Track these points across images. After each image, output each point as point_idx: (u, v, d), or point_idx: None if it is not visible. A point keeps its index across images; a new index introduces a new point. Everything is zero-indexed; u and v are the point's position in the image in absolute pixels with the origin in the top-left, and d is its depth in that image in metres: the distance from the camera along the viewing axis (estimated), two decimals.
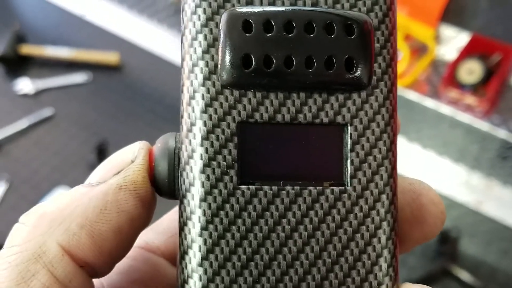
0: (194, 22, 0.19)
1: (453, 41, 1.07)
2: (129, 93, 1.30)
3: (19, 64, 1.32)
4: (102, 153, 1.15)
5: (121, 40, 1.36)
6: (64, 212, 0.20)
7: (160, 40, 1.34)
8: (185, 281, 0.19)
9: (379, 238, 0.19)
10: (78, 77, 1.31)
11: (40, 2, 1.45)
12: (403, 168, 1.10)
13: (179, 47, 0.21)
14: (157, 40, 1.34)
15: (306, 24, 0.19)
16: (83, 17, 1.40)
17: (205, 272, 0.18)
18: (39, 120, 1.24)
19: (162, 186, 0.21)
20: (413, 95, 1.01)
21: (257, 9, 0.19)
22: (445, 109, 1.01)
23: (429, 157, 1.10)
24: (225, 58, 0.19)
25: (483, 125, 0.99)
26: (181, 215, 0.19)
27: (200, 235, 0.19)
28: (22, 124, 1.23)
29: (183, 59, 0.20)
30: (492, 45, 1.01)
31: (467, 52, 1.01)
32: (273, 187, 0.19)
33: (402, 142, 1.12)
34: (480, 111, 0.99)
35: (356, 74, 0.19)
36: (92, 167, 1.15)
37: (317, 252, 0.19)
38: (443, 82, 1.01)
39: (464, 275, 1.00)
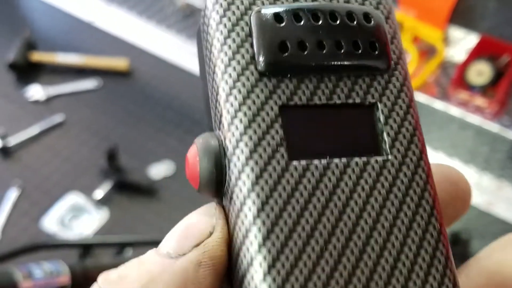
0: (221, 31, 0.21)
1: (461, 43, 1.07)
2: (139, 99, 1.31)
3: (29, 71, 1.34)
4: (112, 159, 1.16)
5: (130, 46, 1.37)
6: (146, 284, 0.19)
7: (169, 45, 1.34)
8: (250, 264, 0.19)
9: (427, 200, 0.21)
10: (89, 83, 1.32)
11: (50, 9, 1.47)
12: None
13: (204, 61, 0.22)
14: (166, 46, 1.35)
15: (330, 14, 0.21)
16: (92, 23, 1.41)
17: (269, 252, 0.18)
18: (50, 126, 1.26)
19: (209, 181, 0.20)
20: (422, 97, 1.01)
21: (283, 6, 0.21)
22: (455, 111, 1.01)
23: (438, 159, 1.10)
24: (262, 47, 0.20)
25: (493, 127, 0.99)
26: (234, 204, 0.20)
27: (258, 216, 0.19)
28: (33, 130, 1.24)
29: (216, 59, 0.21)
30: (501, 47, 1.01)
31: (476, 54, 1.01)
32: (322, 161, 0.20)
33: None
34: (489, 113, 0.99)
35: (380, 56, 0.21)
36: (103, 172, 1.16)
37: (374, 217, 0.20)
38: (452, 84, 1.01)
39: None
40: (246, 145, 0.19)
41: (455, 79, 1.00)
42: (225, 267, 0.20)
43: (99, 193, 1.14)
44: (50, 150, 1.23)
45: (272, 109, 0.20)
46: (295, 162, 0.20)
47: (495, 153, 1.03)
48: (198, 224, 0.20)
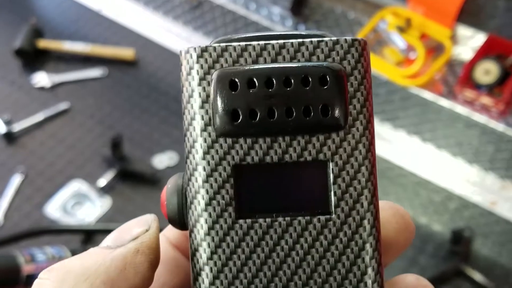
0: (189, 82, 0.23)
1: (469, 41, 1.07)
2: (144, 88, 1.31)
3: (36, 58, 1.34)
4: (116, 147, 1.16)
5: (137, 36, 1.37)
6: (89, 270, 0.22)
7: (176, 36, 1.34)
8: None
9: (363, 258, 0.22)
10: (94, 72, 1.32)
11: None
12: (416, 168, 1.10)
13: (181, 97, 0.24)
14: (172, 37, 1.35)
15: (284, 80, 0.22)
16: (100, 12, 1.41)
17: None
18: (55, 114, 1.26)
19: (173, 220, 0.24)
20: (428, 95, 1.01)
21: (241, 68, 0.22)
22: (460, 109, 1.01)
23: (443, 157, 1.10)
24: (217, 113, 0.22)
25: (499, 126, 0.99)
26: (191, 244, 0.23)
27: (207, 264, 0.22)
28: (38, 117, 1.24)
29: (184, 108, 0.23)
30: (509, 46, 1.00)
31: (483, 53, 1.01)
32: (267, 219, 0.22)
33: (416, 142, 1.12)
34: (495, 112, 0.99)
35: (332, 118, 0.22)
36: (107, 161, 1.16)
37: (308, 274, 0.22)
38: (459, 82, 1.01)
39: (477, 276, 1.00)
40: (203, 198, 0.22)
41: (462, 78, 1.00)
42: (158, 258, 0.23)
43: (102, 181, 1.14)
44: (55, 137, 1.23)
45: (225, 169, 0.22)
46: (241, 221, 0.22)
47: (500, 153, 1.03)
48: (135, 224, 0.24)
